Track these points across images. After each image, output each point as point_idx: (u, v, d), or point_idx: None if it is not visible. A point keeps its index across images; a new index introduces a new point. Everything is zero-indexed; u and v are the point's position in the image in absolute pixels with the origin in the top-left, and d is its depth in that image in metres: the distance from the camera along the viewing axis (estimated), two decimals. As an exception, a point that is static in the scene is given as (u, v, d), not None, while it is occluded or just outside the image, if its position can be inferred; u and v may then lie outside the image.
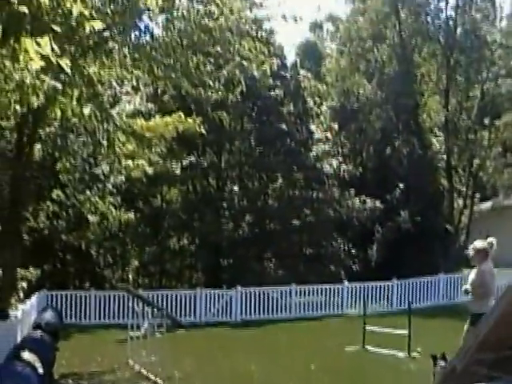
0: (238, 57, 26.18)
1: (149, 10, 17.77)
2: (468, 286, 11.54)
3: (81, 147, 23.15)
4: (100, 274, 31.24)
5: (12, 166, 19.81)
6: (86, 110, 16.75)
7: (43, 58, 5.84)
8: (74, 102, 8.10)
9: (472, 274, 11.54)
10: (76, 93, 8.24)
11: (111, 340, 20.46)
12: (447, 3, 39.41)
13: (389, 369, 15.42)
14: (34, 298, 21.56)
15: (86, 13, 6.14)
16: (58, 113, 8.83)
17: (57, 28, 6.68)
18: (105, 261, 31.97)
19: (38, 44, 5.78)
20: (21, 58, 6.01)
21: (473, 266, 11.77)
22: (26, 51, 5.87)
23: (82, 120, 19.61)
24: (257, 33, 29.34)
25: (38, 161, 23.00)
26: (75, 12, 6.03)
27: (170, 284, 32.62)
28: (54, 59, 5.88)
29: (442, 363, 11.26)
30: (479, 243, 11.51)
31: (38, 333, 13.60)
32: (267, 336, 22.30)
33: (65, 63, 6.05)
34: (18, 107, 12.11)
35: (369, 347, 18.10)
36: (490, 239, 11.53)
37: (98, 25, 6.01)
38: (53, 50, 5.82)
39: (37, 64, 5.89)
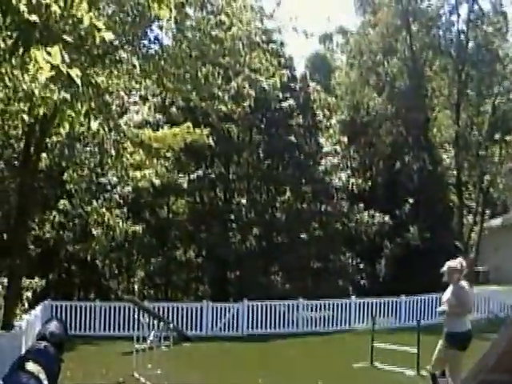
0: (248, 68, 26.24)
1: (159, 19, 17.76)
2: (445, 307, 11.61)
3: (88, 157, 23.13)
4: (105, 285, 31.13)
5: (19, 174, 19.81)
6: (95, 125, 16.72)
7: (53, 68, 5.81)
8: (82, 116, 8.05)
9: (447, 294, 11.67)
10: (85, 106, 8.19)
11: (116, 352, 20.38)
12: (459, 17, 39.58)
13: (397, 387, 15.32)
14: (38, 309, 21.45)
15: (98, 23, 6.10)
16: (67, 125, 8.83)
17: (67, 38, 6.64)
18: (110, 272, 31.80)
19: (49, 54, 5.76)
20: (30, 67, 5.98)
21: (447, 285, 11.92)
22: (36, 61, 5.84)
23: (90, 130, 19.69)
24: (267, 44, 29.50)
25: (44, 170, 22.91)
26: (86, 21, 5.98)
27: (176, 296, 32.50)
28: (64, 69, 5.84)
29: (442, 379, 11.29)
30: (453, 263, 11.69)
31: (43, 344, 13.48)
32: (274, 351, 22.19)
33: (75, 74, 6.02)
34: (25, 116, 12.12)
35: (377, 364, 17.97)
36: (460, 259, 11.94)
37: (110, 36, 5.96)
38: (63, 60, 5.78)
39: (46, 74, 5.85)
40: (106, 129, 18.36)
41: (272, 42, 29.98)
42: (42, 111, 8.63)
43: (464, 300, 11.47)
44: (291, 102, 33.30)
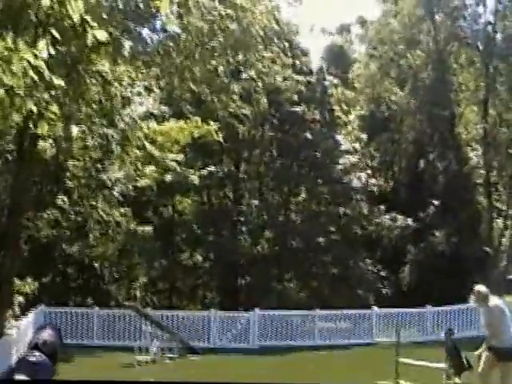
0: (261, 63, 25.94)
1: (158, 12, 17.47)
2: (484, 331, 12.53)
3: (87, 151, 22.92)
4: (104, 290, 30.54)
5: (13, 169, 19.55)
6: (75, 130, 16.48)
7: (38, 73, 5.40)
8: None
9: (482, 317, 12.50)
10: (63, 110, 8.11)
11: (116, 364, 19.72)
12: (486, 7, 38.98)
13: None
14: (31, 315, 21.09)
15: (91, 21, 5.52)
16: (45, 126, 8.59)
17: (55, 33, 6.14)
18: (110, 275, 31.19)
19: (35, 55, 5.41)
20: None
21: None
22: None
23: (89, 122, 19.29)
24: (281, 38, 29.24)
25: (41, 164, 22.56)
26: (76, 18, 5.41)
27: (181, 304, 32.13)
28: (47, 75, 5.37)
29: None
30: (481, 287, 12.37)
31: (35, 354, 12.79)
32: (287, 365, 21.60)
33: (58, 82, 5.62)
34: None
35: (402, 382, 17.15)
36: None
37: (102, 35, 5.39)
38: (50, 55, 5.33)
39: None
40: (105, 123, 18.10)
41: (286, 33, 29.81)
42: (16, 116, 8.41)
43: (493, 321, 12.19)
44: (307, 96, 32.96)
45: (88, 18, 5.62)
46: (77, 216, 25.39)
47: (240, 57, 23.91)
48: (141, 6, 17.85)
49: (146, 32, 20.27)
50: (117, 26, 17.86)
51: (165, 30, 20.41)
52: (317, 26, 47.80)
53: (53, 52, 5.56)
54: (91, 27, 5.64)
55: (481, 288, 12.29)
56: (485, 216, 36.36)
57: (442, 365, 16.35)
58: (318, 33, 34.86)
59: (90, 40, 5.76)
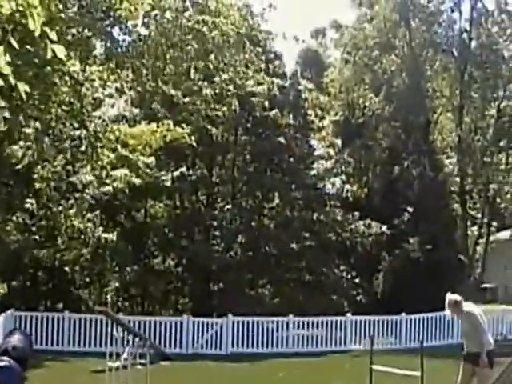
0: (233, 68, 25.83)
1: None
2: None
3: (58, 153, 22.61)
4: (75, 295, 30.27)
5: None
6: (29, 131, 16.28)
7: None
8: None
9: (465, 325, 12.56)
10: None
11: (87, 370, 19.42)
12: (461, 14, 39.38)
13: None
14: (0, 319, 20.45)
15: (51, 34, 5.32)
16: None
17: (13, 42, 5.92)
18: (81, 280, 30.98)
19: None
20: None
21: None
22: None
23: (59, 124, 19.04)
24: (254, 42, 29.20)
25: (10, 166, 22.24)
26: (37, 32, 5.23)
27: (154, 309, 31.95)
28: (12, 81, 5.19)
29: None
30: (454, 295, 12.41)
31: (4, 359, 12.70)
32: (260, 372, 21.47)
33: (23, 88, 5.39)
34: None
35: (376, 389, 17.09)
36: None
37: (61, 51, 5.19)
38: (9, 63, 5.13)
39: None
40: (75, 125, 17.90)
41: (259, 39, 29.74)
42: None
43: (476, 328, 12.26)
44: (281, 100, 32.81)
45: (48, 29, 5.39)
46: (47, 220, 24.99)
47: (213, 60, 23.79)
48: (112, 6, 17.66)
49: (117, 33, 20.06)
50: (87, 26, 17.67)
51: (138, 33, 20.23)
52: (291, 30, 47.86)
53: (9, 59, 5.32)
54: (51, 41, 5.41)
55: (453, 296, 12.35)
56: (459, 224, 36.54)
57: (417, 373, 16.25)
58: (292, 37, 34.83)
59: (49, 54, 5.52)
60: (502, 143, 38.12)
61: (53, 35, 5.28)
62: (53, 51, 5.31)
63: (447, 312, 12.51)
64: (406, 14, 38.98)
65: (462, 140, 37.29)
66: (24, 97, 5.63)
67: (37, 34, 5.24)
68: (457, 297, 12.33)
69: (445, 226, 34.63)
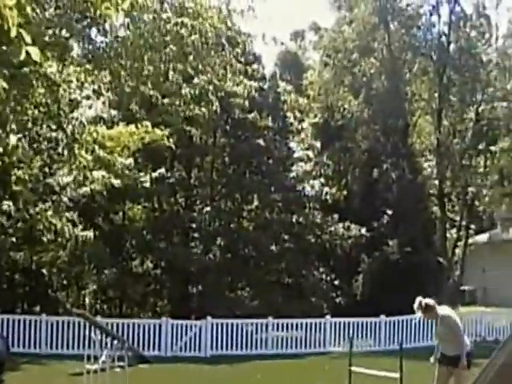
0: (212, 69, 25.76)
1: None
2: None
3: (35, 155, 22.46)
4: (53, 297, 30.03)
5: None
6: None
7: None
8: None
9: (441, 328, 12.50)
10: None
11: (64, 373, 19.35)
12: (440, 18, 39.47)
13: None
14: None
15: (27, 37, 5.27)
16: None
17: None
18: (58, 282, 30.84)
19: None
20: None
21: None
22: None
23: (36, 125, 18.90)
24: (233, 44, 29.12)
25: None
26: (13, 32, 5.17)
27: (132, 312, 31.73)
28: None
29: None
30: (423, 300, 12.36)
31: None
32: (239, 374, 21.39)
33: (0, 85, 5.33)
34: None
35: (355, 391, 17.10)
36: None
37: (36, 53, 5.13)
38: None
39: None
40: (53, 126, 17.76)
41: (238, 41, 29.66)
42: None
43: (455, 330, 12.34)
44: (259, 102, 32.74)
45: (23, 31, 5.34)
46: (24, 222, 24.79)
47: (192, 62, 23.70)
48: (90, 7, 17.56)
49: (95, 34, 19.95)
50: (64, 27, 17.57)
51: (116, 34, 20.12)
52: (270, 32, 47.83)
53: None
54: (26, 44, 5.36)
55: (425, 300, 12.33)
56: (438, 226, 36.67)
57: (396, 374, 16.26)
58: (271, 39, 34.94)
59: (23, 56, 5.46)
60: (480, 146, 38.22)
61: (28, 38, 5.24)
62: (27, 53, 5.28)
63: (418, 315, 12.51)
64: (385, 17, 39.00)
65: (441, 143, 37.36)
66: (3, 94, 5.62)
67: (13, 34, 5.21)
68: (429, 300, 12.36)
69: (424, 229, 34.82)
